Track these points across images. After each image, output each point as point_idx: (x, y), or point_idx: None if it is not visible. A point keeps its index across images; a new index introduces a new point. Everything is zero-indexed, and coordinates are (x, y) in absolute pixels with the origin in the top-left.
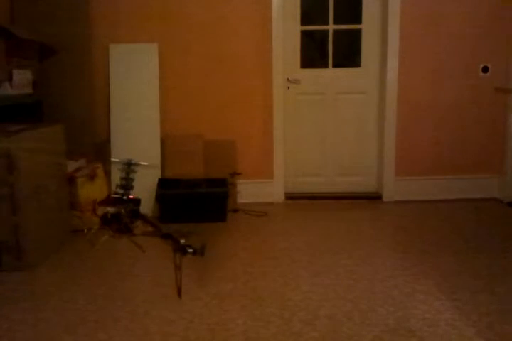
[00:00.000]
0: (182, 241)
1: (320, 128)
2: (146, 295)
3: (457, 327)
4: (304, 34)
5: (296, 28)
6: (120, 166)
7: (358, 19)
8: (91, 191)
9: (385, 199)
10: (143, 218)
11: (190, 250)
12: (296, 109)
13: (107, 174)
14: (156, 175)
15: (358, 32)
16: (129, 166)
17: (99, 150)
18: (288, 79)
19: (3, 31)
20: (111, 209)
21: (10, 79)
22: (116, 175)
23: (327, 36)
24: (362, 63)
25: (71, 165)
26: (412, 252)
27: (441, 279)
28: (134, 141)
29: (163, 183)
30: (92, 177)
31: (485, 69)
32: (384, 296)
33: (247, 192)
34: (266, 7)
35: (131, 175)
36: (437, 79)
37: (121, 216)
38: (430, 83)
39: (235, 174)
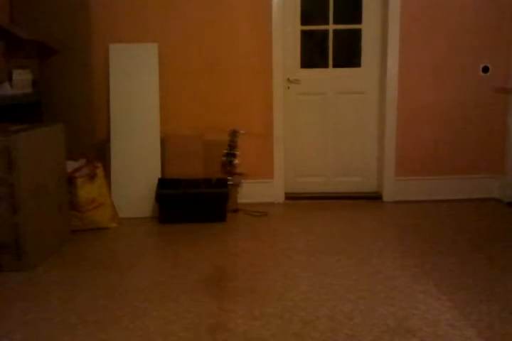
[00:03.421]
0: (229, 177)
1: (320, 128)
2: (146, 295)
3: (457, 327)
4: (304, 34)
5: (296, 28)
6: (229, 133)
7: (358, 19)
8: (91, 191)
9: (385, 199)
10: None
11: (231, 182)
12: (296, 109)
13: (107, 174)
14: (156, 175)
15: (358, 32)
16: (234, 133)
17: (99, 150)
18: (288, 79)
19: (3, 31)
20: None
21: (10, 79)
22: (116, 175)
23: (327, 36)
24: (362, 63)
25: (71, 165)
26: (412, 252)
27: (441, 279)
28: (134, 141)
29: (163, 183)
30: (92, 177)
31: (485, 69)
32: (384, 296)
33: (247, 192)
34: (266, 7)
35: (236, 139)
36: (437, 79)
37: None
38: (430, 83)
39: (235, 174)
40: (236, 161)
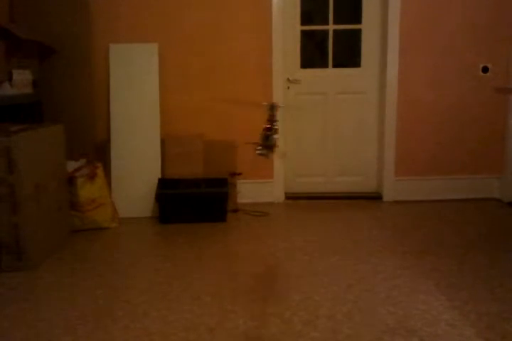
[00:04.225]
0: (259, 148)
1: (320, 128)
2: (146, 295)
3: (457, 327)
4: (304, 34)
5: (296, 28)
6: (267, 107)
7: (358, 19)
8: (91, 191)
9: (385, 199)
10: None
11: (259, 151)
12: (296, 109)
13: (107, 174)
14: (156, 175)
15: (358, 32)
16: (273, 107)
17: (99, 150)
18: (288, 79)
19: (3, 31)
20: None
21: (10, 79)
22: (116, 175)
23: (327, 36)
24: (362, 63)
25: (71, 165)
26: (412, 252)
27: (441, 279)
28: (134, 141)
29: (163, 183)
30: (92, 177)
31: (485, 69)
32: (384, 296)
33: (247, 192)
34: (266, 7)
35: (274, 113)
36: (437, 79)
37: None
38: (430, 83)
39: (235, 174)
40: (276, 136)
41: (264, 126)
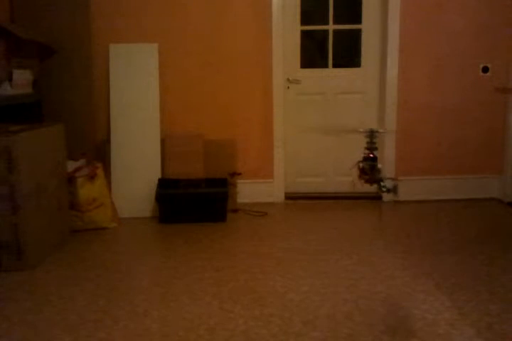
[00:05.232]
0: (382, 183)
1: (320, 128)
2: (146, 295)
3: (457, 327)
4: (304, 34)
5: (296, 28)
6: (365, 134)
7: (358, 19)
8: (91, 191)
9: (385, 199)
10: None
11: (385, 189)
12: (296, 109)
13: (107, 174)
14: (156, 175)
15: (358, 32)
16: (372, 133)
17: (99, 150)
18: (288, 79)
19: (3, 31)
20: (364, 164)
21: (10, 79)
22: (116, 175)
23: (327, 36)
24: (362, 63)
25: (71, 165)
26: (412, 252)
27: (441, 279)
28: (134, 141)
29: (163, 183)
30: (92, 177)
31: (485, 69)
32: (384, 296)
33: (247, 192)
34: (266, 7)
35: (374, 140)
36: (437, 79)
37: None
38: (430, 83)
39: (235, 174)
40: (380, 165)
41: (364, 155)
